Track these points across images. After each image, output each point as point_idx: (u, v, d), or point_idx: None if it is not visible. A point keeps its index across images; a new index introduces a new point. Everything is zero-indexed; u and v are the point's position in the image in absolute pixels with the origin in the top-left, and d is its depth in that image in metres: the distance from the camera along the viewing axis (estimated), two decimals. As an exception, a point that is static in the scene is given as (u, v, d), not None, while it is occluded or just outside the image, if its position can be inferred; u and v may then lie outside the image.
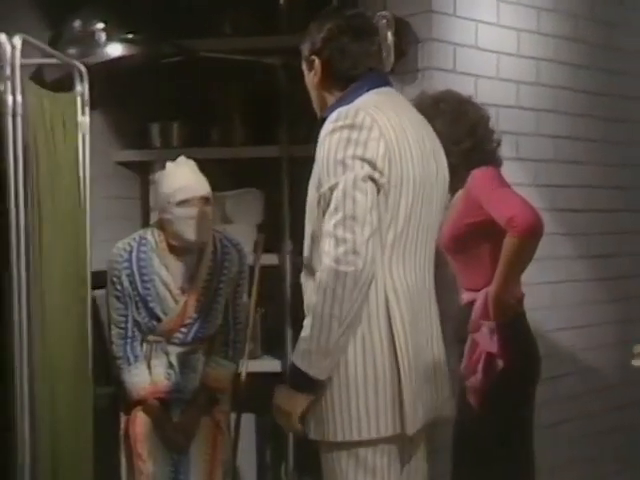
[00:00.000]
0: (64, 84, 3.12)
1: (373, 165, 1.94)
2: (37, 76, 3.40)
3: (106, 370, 3.31)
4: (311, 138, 3.69)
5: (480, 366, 2.55)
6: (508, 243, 2.44)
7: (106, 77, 3.48)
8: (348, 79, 2.11)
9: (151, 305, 3.00)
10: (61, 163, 2.71)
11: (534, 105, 3.37)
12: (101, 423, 3.07)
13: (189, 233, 2.95)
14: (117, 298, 3.03)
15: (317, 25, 2.15)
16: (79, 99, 2.89)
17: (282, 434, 3.55)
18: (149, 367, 3.06)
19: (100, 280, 3.31)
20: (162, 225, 3.03)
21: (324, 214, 1.96)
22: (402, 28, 3.02)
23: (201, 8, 3.73)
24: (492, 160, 2.70)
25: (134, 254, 3.02)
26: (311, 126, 3.82)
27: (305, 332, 1.97)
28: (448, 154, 2.37)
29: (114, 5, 3.48)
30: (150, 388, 3.02)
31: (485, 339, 2.54)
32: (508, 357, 2.54)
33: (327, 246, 1.92)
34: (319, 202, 1.98)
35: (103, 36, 3.39)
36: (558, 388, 3.43)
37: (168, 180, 2.98)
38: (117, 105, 3.71)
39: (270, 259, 3.55)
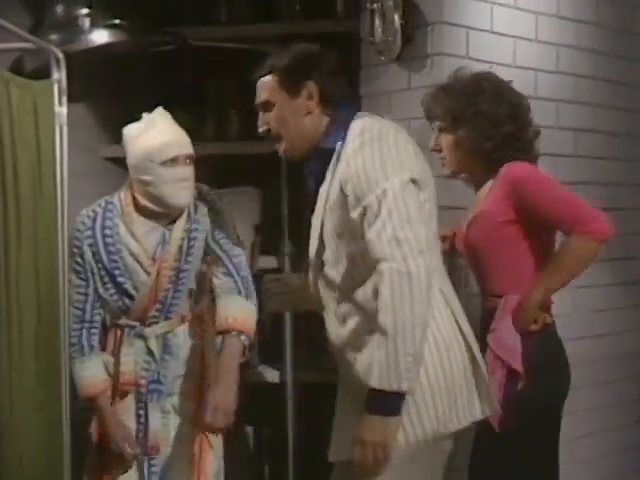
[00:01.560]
0: (46, 74, 2.90)
1: (411, 168, 2.04)
2: (18, 65, 3.24)
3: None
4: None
5: (501, 383, 2.33)
6: (580, 246, 2.35)
7: (91, 66, 3.36)
8: (337, 104, 2.20)
9: (119, 280, 2.64)
10: (31, 156, 2.54)
11: (553, 95, 3.21)
12: (83, 438, 2.83)
13: (175, 197, 2.61)
14: (77, 273, 2.66)
15: (303, 50, 2.23)
16: (56, 88, 2.66)
17: (281, 449, 3.36)
18: (118, 357, 2.69)
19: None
20: (137, 187, 2.65)
21: (367, 226, 2.02)
22: (410, 10, 2.87)
23: (194, -7, 3.58)
24: (530, 152, 2.57)
25: (98, 222, 2.66)
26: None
27: (383, 347, 1.95)
28: (487, 138, 2.43)
29: (100, -11, 3.32)
30: (102, 386, 2.65)
31: (509, 352, 2.32)
32: (534, 374, 2.37)
33: (387, 251, 1.96)
34: (363, 214, 2.03)
35: (87, 22, 3.31)
36: (577, 401, 3.21)
37: (148, 136, 2.62)
38: (104, 97, 3.60)
39: (268, 262, 3.44)
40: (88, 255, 2.64)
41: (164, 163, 2.59)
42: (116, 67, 3.50)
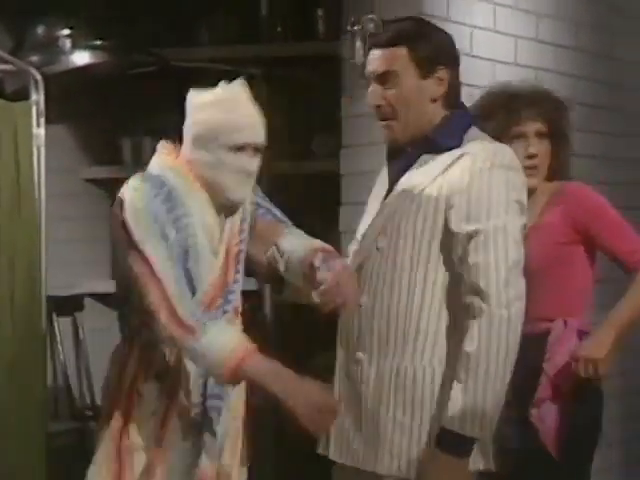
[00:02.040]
0: (27, 95, 2.90)
1: (526, 211, 2.01)
2: (-2, 86, 3.23)
3: (70, 403, 3.13)
4: (293, 155, 3.68)
5: (557, 409, 2.24)
6: None
7: (73, 88, 3.34)
8: (457, 102, 2.07)
9: (189, 265, 2.02)
10: (10, 177, 2.51)
11: (532, 118, 3.18)
12: (64, 463, 2.80)
13: (234, 191, 2.10)
14: (164, 242, 1.98)
15: (438, 34, 2.06)
16: (34, 109, 2.65)
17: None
18: None
19: (62, 306, 3.11)
20: (193, 163, 2.10)
21: (474, 250, 1.93)
22: (391, 33, 2.84)
23: (176, 14, 3.60)
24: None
25: (153, 193, 2.03)
26: (293, 142, 3.80)
27: (471, 394, 1.89)
28: (570, 153, 2.39)
29: (81, 10, 3.34)
30: (245, 348, 1.93)
31: (567, 378, 2.24)
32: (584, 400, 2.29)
33: (493, 290, 1.91)
34: (471, 236, 1.93)
35: (68, 43, 3.28)
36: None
37: (218, 109, 2.11)
38: (85, 118, 3.60)
39: (248, 283, 3.33)
40: (170, 231, 2.02)
41: (230, 148, 2.10)
42: (97, 88, 3.49)
